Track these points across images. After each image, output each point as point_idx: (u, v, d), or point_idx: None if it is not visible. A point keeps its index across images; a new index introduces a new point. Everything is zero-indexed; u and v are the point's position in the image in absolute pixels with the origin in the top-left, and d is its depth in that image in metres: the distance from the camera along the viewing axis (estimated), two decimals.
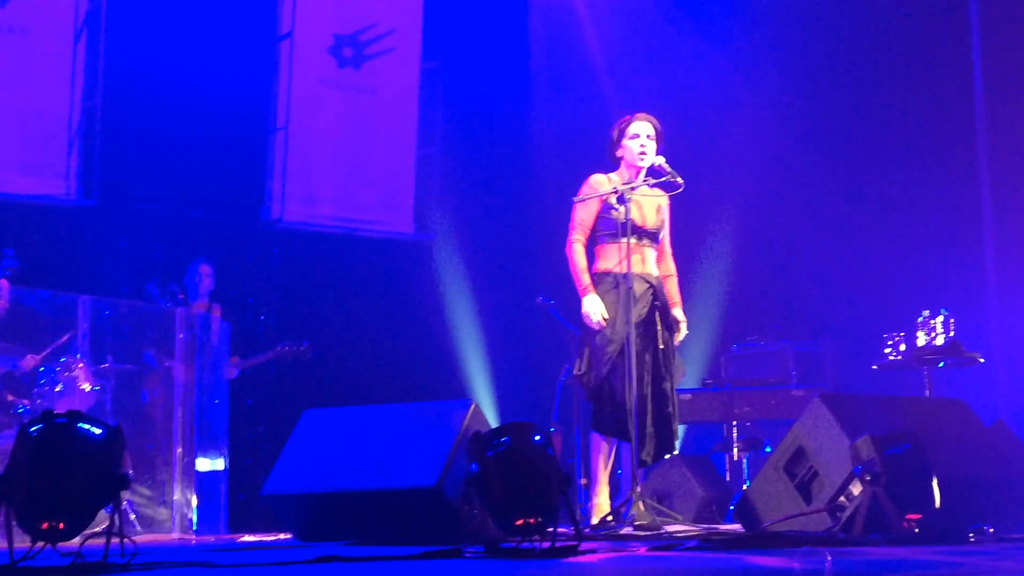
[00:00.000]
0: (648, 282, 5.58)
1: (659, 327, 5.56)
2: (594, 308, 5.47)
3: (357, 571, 3.72)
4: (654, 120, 5.69)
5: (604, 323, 5.46)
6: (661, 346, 5.54)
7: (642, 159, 5.60)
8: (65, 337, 6.68)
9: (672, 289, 5.74)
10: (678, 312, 5.68)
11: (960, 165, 8.76)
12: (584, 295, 5.53)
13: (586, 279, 5.54)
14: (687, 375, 6.03)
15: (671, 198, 5.71)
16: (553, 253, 7.26)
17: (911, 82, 8.91)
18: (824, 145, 8.91)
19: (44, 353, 6.58)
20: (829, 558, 3.20)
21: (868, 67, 9.01)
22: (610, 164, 5.76)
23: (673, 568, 3.54)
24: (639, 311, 5.50)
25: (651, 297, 5.56)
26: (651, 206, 5.68)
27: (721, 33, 9.39)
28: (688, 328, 5.77)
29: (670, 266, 5.79)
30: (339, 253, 9.30)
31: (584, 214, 5.62)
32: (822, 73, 9.15)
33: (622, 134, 5.66)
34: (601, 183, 5.63)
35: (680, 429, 7.83)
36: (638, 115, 5.69)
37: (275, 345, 8.08)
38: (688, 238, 6.22)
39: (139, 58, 8.47)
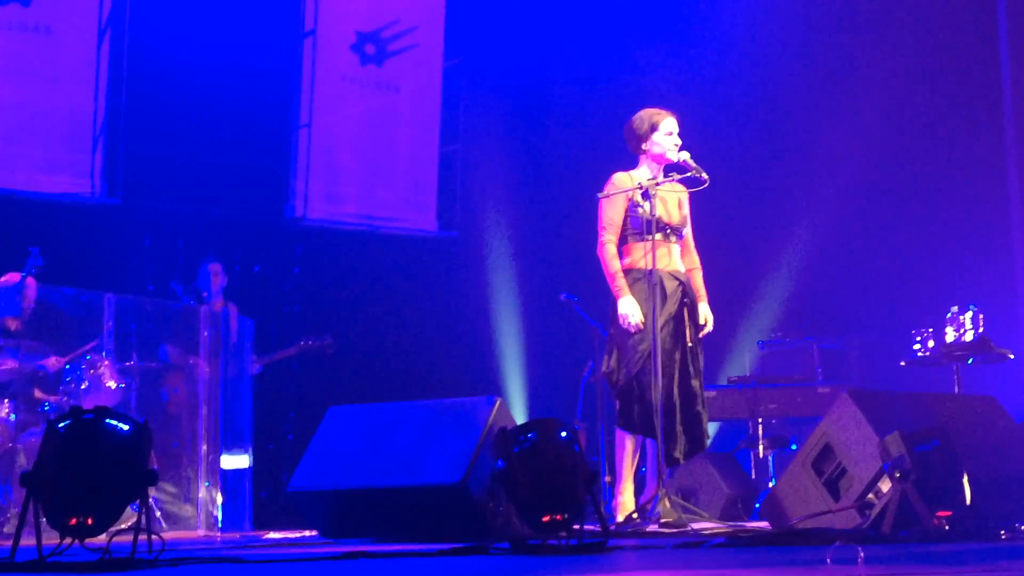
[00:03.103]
0: (677, 279, 5.56)
1: (687, 324, 5.53)
2: (633, 310, 5.43)
3: (383, 567, 3.71)
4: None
5: (642, 327, 5.42)
6: (689, 343, 5.51)
7: (676, 155, 5.57)
8: (90, 344, 6.71)
9: (698, 282, 5.71)
10: (704, 307, 5.65)
11: (988, 160, 8.70)
12: (620, 296, 5.48)
13: (621, 280, 5.49)
14: (710, 372, 6.00)
15: (691, 193, 5.68)
16: (577, 249, 7.26)
17: (937, 77, 8.85)
18: (850, 141, 8.86)
19: (68, 357, 6.61)
20: (861, 555, 3.17)
21: (894, 62, 8.95)
22: (630, 159, 5.72)
23: (702, 565, 3.52)
24: (669, 308, 5.47)
25: (680, 294, 5.54)
26: (674, 201, 5.65)
27: (744, 27, 9.33)
28: (713, 323, 5.73)
29: (695, 259, 5.76)
30: (362, 251, 9.30)
31: (613, 213, 5.57)
32: (848, 68, 9.10)
33: (654, 128, 5.61)
34: (624, 181, 5.59)
35: (712, 427, 7.82)
36: (668, 111, 5.66)
37: (297, 341, 8.09)
38: (713, 235, 6.18)
39: (163, 56, 8.50)
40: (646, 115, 5.65)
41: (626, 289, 5.47)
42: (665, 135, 5.61)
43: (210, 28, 8.61)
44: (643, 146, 5.65)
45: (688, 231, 5.74)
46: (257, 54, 8.86)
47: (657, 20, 9.54)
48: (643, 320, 5.42)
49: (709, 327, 5.65)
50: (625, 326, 5.45)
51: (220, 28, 8.65)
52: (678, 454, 5.43)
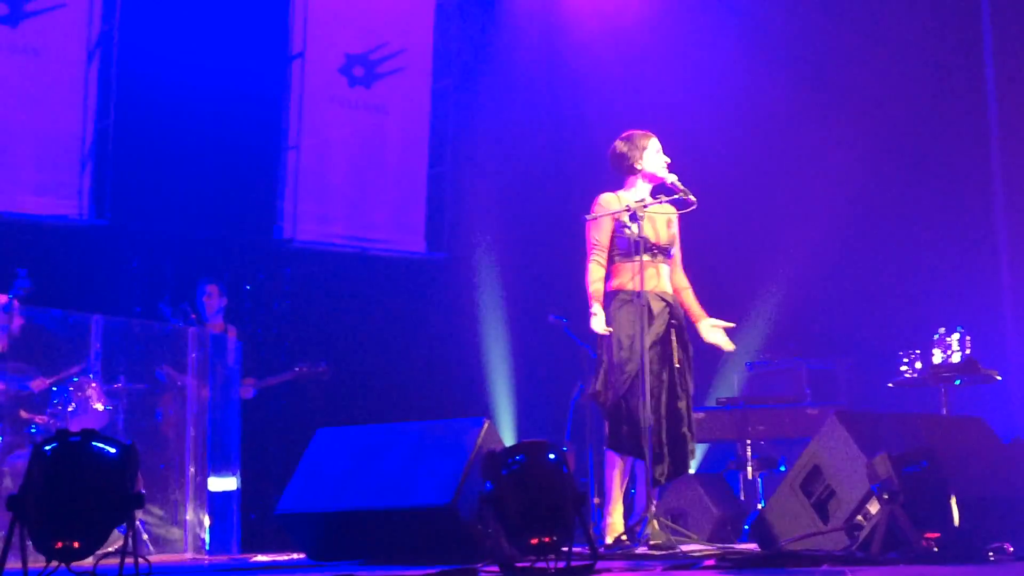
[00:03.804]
0: (664, 300, 5.57)
1: (675, 345, 5.55)
2: (598, 326, 5.47)
3: None
4: None
5: (612, 331, 5.44)
6: (676, 364, 5.52)
7: (665, 173, 5.61)
8: (76, 368, 6.69)
9: (690, 301, 5.74)
10: (706, 324, 5.68)
11: (974, 180, 8.74)
12: (590, 308, 5.51)
13: (596, 299, 5.52)
14: (699, 393, 6.02)
15: (680, 214, 5.70)
16: (565, 270, 7.26)
17: (924, 96, 8.89)
18: (837, 161, 8.89)
19: (54, 378, 6.59)
20: None
21: (882, 83, 9.00)
22: (618, 180, 5.75)
23: None
24: (656, 329, 5.49)
25: (667, 315, 5.55)
26: (662, 222, 5.67)
27: (730, 50, 9.38)
28: (703, 344, 5.74)
29: (683, 279, 5.79)
30: (351, 272, 9.30)
31: (599, 234, 5.60)
32: (836, 90, 9.14)
33: (642, 148, 5.66)
34: (611, 202, 5.62)
35: (699, 448, 7.81)
36: (649, 133, 5.71)
37: (293, 365, 8.08)
38: (701, 255, 6.19)
39: (151, 78, 8.51)
40: (633, 136, 5.70)
41: (596, 305, 5.49)
42: (654, 152, 5.66)
43: (198, 50, 8.63)
44: (636, 166, 5.67)
45: (677, 250, 5.77)
46: (245, 76, 8.88)
47: (644, 41, 9.58)
48: (610, 329, 5.43)
49: (724, 324, 5.70)
50: (600, 334, 5.46)
51: (208, 50, 8.66)
52: (659, 475, 5.43)
